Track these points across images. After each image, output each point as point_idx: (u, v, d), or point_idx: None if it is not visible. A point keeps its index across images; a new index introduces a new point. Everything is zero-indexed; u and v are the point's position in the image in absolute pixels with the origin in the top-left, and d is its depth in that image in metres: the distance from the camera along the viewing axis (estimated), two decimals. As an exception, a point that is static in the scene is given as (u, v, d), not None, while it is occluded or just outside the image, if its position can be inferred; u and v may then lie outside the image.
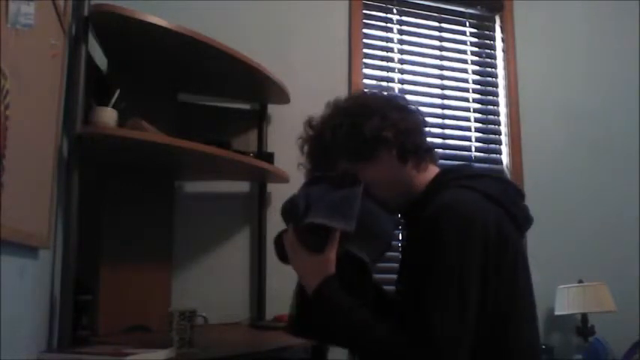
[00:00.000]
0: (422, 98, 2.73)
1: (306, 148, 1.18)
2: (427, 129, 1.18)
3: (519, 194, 1.10)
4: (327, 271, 1.03)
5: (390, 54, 2.70)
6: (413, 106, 1.17)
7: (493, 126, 2.85)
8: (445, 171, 1.13)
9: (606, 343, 2.51)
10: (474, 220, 0.96)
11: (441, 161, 1.23)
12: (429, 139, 1.17)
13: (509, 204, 1.03)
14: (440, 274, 0.93)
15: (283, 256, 1.12)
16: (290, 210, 1.09)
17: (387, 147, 1.09)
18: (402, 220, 1.20)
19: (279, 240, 1.13)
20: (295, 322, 1.14)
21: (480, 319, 0.94)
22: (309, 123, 1.18)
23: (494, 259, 0.96)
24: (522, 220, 1.06)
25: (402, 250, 1.17)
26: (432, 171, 1.14)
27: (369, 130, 1.08)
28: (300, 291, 1.11)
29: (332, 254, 1.04)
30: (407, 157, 1.10)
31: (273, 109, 2.38)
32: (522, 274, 1.02)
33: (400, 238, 1.18)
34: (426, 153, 1.14)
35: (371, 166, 1.11)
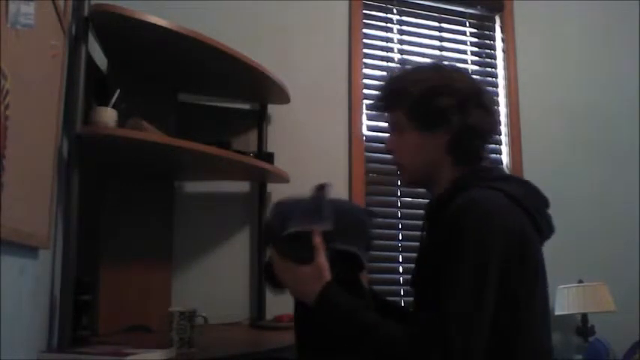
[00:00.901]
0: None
1: (387, 81, 1.16)
2: (494, 137, 1.16)
3: (544, 201, 1.08)
4: (323, 278, 1.01)
5: (390, 54, 2.70)
6: (494, 109, 1.14)
7: (493, 126, 2.85)
8: (473, 170, 1.10)
9: (607, 344, 2.51)
10: (496, 218, 0.94)
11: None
12: (488, 147, 1.14)
13: (533, 209, 1.02)
14: (458, 270, 0.92)
15: (276, 283, 1.09)
16: (268, 232, 1.09)
17: (445, 131, 1.07)
18: (424, 220, 1.17)
19: (268, 268, 1.10)
20: (301, 352, 1.09)
21: (495, 320, 0.92)
22: (403, 66, 1.18)
23: (515, 260, 0.94)
24: (544, 227, 1.04)
25: (421, 249, 1.15)
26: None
27: (443, 104, 1.06)
28: (297, 318, 1.08)
29: (322, 259, 1.03)
30: (454, 151, 1.08)
31: (273, 109, 2.38)
32: (541, 278, 1.00)
33: (421, 237, 1.17)
34: (474, 158, 1.11)
35: (420, 135, 1.09)
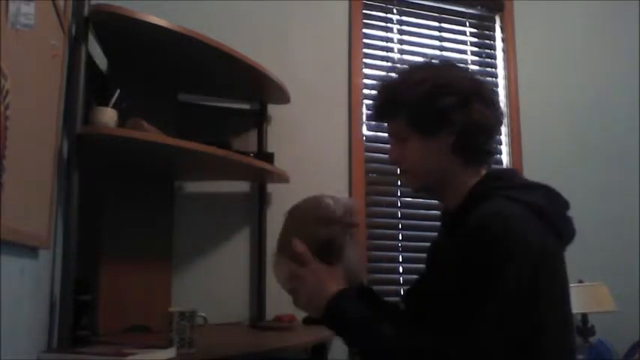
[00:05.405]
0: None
1: (382, 89, 1.12)
2: (498, 133, 1.12)
3: (565, 205, 1.03)
4: (339, 284, 1.01)
5: (390, 54, 2.70)
6: (497, 103, 1.09)
7: (493, 126, 2.85)
8: (493, 177, 1.05)
9: (610, 345, 2.50)
10: (518, 238, 0.90)
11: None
12: (493, 143, 1.10)
13: (557, 219, 0.98)
14: (483, 297, 0.88)
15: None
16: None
17: (449, 132, 1.03)
18: (442, 228, 1.14)
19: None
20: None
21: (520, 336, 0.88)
22: (396, 70, 1.12)
23: (539, 281, 0.90)
24: (566, 234, 1.01)
25: (435, 257, 1.12)
26: (479, 175, 1.06)
27: (443, 105, 1.02)
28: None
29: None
30: (461, 151, 1.04)
31: (273, 109, 2.38)
32: (564, 290, 0.97)
33: (435, 245, 1.14)
34: (483, 156, 1.07)
35: (423, 140, 1.05)
